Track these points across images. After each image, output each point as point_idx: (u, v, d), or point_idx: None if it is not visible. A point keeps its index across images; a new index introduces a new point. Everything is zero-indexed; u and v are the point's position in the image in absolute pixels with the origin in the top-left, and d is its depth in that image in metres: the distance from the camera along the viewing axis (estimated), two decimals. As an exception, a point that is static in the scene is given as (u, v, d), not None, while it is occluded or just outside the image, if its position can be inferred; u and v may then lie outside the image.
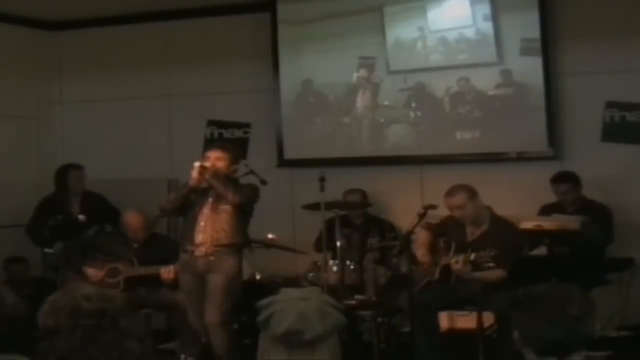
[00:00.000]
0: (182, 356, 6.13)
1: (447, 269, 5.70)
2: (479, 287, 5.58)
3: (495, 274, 5.44)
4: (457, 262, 5.48)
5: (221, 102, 7.81)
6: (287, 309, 2.30)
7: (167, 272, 6.09)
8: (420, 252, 5.82)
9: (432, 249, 5.89)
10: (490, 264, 5.36)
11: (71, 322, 2.30)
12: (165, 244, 6.49)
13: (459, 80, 7.00)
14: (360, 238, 6.80)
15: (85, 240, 6.69)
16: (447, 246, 5.79)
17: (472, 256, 5.41)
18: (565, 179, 6.37)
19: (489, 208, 5.80)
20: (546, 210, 6.41)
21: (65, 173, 7.21)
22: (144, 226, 6.37)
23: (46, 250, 6.69)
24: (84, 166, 7.27)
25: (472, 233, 5.78)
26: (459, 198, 5.69)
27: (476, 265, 5.45)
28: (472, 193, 5.72)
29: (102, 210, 7.08)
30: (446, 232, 5.87)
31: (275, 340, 2.32)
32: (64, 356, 2.31)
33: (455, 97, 7.05)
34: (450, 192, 5.74)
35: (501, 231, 5.66)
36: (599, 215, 6.23)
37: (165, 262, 6.11)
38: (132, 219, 6.37)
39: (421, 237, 5.91)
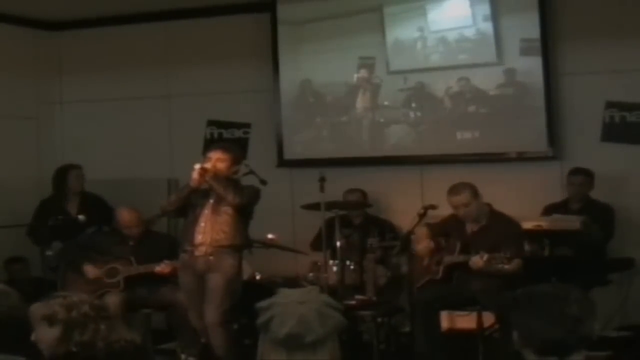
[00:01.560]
0: (183, 356, 6.13)
1: (451, 268, 5.71)
2: (479, 286, 5.59)
3: (513, 264, 5.43)
4: (475, 263, 5.45)
5: (221, 102, 7.80)
6: (286, 312, 2.30)
7: (161, 268, 6.10)
8: (422, 245, 5.80)
9: (434, 247, 5.88)
10: (505, 266, 5.34)
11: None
12: (161, 240, 6.51)
13: (459, 80, 7.00)
14: (360, 238, 6.79)
15: (83, 240, 6.68)
16: (451, 245, 5.79)
17: (485, 257, 5.39)
18: (580, 172, 6.42)
19: (488, 204, 5.81)
20: (550, 210, 6.42)
21: (65, 173, 7.22)
22: (138, 222, 6.39)
23: (47, 253, 6.69)
24: (81, 165, 7.28)
25: (471, 229, 5.79)
26: (464, 196, 5.69)
27: (494, 264, 5.44)
28: (475, 191, 5.73)
29: (101, 211, 7.08)
30: (447, 232, 5.87)
31: (276, 343, 2.32)
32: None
33: (455, 97, 7.05)
34: (455, 191, 5.73)
35: (500, 224, 5.67)
36: (602, 215, 6.24)
37: (163, 259, 6.12)
38: (125, 216, 6.39)
39: (421, 234, 5.90)
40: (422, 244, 5.83)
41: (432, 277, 5.80)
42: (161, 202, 5.99)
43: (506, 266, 5.34)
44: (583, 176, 6.41)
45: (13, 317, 2.81)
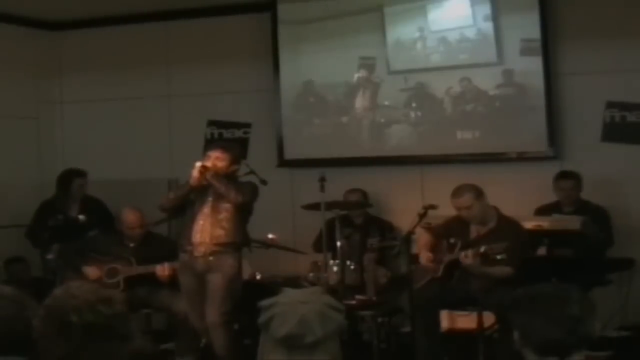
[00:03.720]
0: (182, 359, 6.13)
1: (451, 266, 5.71)
2: (479, 286, 5.59)
3: (502, 270, 5.44)
4: (466, 256, 5.48)
5: (221, 102, 7.81)
6: (287, 312, 2.30)
7: (162, 269, 6.10)
8: (424, 256, 5.81)
9: (434, 250, 5.88)
10: (502, 256, 5.34)
11: (61, 336, 2.30)
12: (161, 243, 6.51)
13: (461, 80, 7.00)
14: (360, 238, 6.80)
15: (83, 241, 6.68)
16: (451, 246, 5.79)
17: (483, 248, 5.40)
18: (570, 176, 6.40)
19: (495, 208, 5.81)
20: (542, 211, 6.40)
21: (69, 179, 7.21)
22: (141, 223, 6.39)
23: (48, 256, 6.69)
24: (87, 172, 7.27)
25: (477, 231, 5.78)
26: (466, 199, 5.69)
27: (486, 259, 5.44)
28: (478, 193, 5.72)
29: (101, 215, 7.09)
30: (450, 234, 5.86)
31: (276, 343, 2.31)
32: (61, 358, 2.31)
33: (455, 97, 7.05)
34: (457, 193, 5.74)
35: (507, 229, 5.65)
36: (596, 217, 6.22)
37: (163, 261, 6.12)
38: (129, 216, 6.39)
39: (422, 240, 5.90)
40: (423, 256, 5.82)
41: (432, 275, 5.80)
42: (160, 199, 5.97)
43: (503, 256, 5.35)
44: (572, 181, 6.38)
45: (20, 324, 2.78)
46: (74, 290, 2.43)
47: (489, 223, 5.76)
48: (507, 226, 5.69)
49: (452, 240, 5.80)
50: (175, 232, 7.18)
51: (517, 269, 5.43)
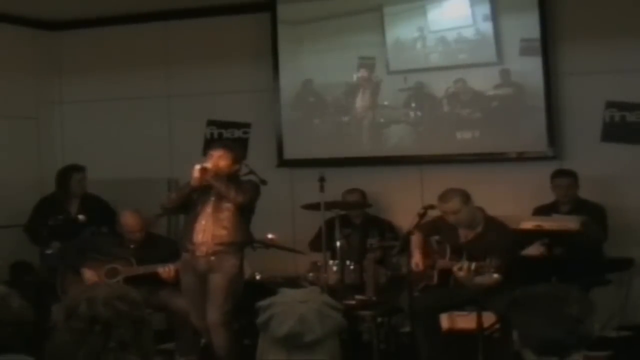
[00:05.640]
0: (182, 359, 6.12)
1: (445, 272, 5.70)
2: (476, 289, 5.58)
3: (490, 279, 5.44)
4: (460, 270, 5.47)
5: (221, 102, 7.81)
6: (286, 311, 2.30)
7: (165, 271, 6.09)
8: (416, 258, 5.81)
9: (426, 251, 5.88)
10: (494, 275, 5.35)
11: (65, 323, 2.29)
12: (162, 244, 6.49)
13: (455, 82, 6.99)
14: (360, 238, 6.80)
15: (83, 241, 6.68)
16: (442, 248, 5.79)
17: (473, 266, 5.40)
18: (566, 174, 6.40)
19: (481, 210, 5.80)
20: (540, 212, 6.40)
21: (67, 175, 7.20)
22: (141, 226, 6.37)
23: (46, 252, 6.69)
24: (85, 167, 7.27)
25: (465, 235, 5.77)
26: (453, 204, 5.67)
27: (477, 273, 5.45)
28: (465, 197, 5.69)
29: (101, 213, 7.09)
30: (439, 231, 5.86)
31: (275, 343, 2.31)
32: (57, 355, 2.30)
33: (455, 97, 7.05)
34: (444, 198, 5.71)
35: (495, 234, 5.65)
36: (593, 215, 6.22)
37: (163, 262, 6.11)
38: (129, 219, 6.37)
39: (415, 241, 5.89)
40: (416, 257, 5.82)
41: (427, 282, 5.80)
42: (162, 199, 5.97)
43: (494, 275, 5.36)
44: (569, 178, 6.38)
45: (17, 320, 2.78)
46: (99, 284, 2.41)
47: (476, 227, 5.75)
48: (494, 229, 5.69)
49: (437, 238, 5.80)
50: (176, 232, 7.21)
51: (505, 273, 5.42)
